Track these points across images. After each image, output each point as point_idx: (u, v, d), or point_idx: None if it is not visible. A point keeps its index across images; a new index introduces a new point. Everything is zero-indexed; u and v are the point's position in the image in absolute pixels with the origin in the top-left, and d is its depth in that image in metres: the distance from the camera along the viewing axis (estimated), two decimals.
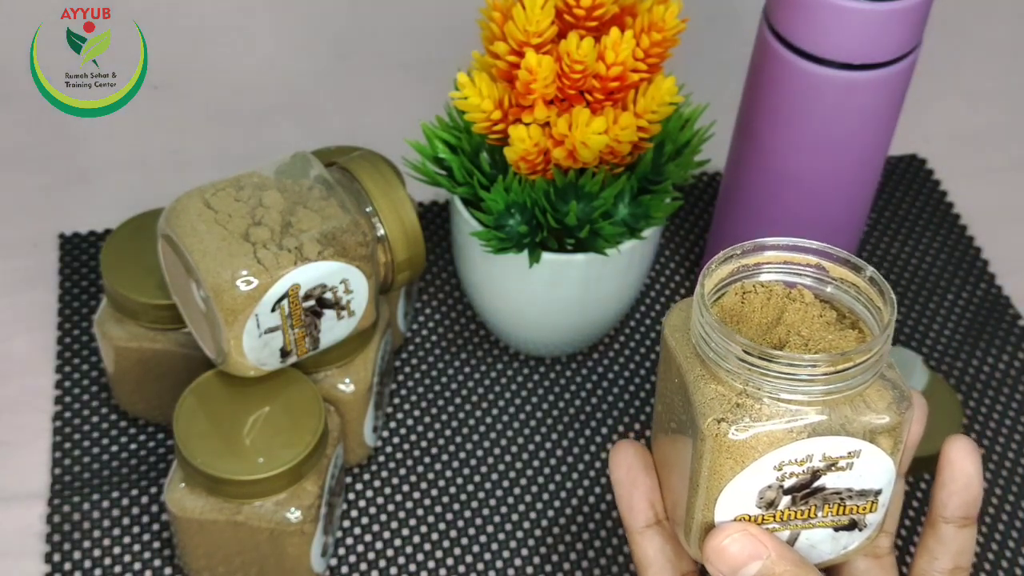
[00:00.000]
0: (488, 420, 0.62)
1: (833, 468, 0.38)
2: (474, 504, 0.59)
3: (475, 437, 0.61)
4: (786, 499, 0.39)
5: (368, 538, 0.57)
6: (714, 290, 0.40)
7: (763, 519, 0.39)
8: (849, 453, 0.38)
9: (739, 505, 0.39)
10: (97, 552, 0.56)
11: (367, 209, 0.53)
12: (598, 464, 0.60)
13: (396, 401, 0.63)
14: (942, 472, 0.42)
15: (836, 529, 0.40)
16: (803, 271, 0.40)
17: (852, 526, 0.40)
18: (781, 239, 0.40)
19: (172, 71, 0.78)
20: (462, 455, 0.61)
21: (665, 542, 0.43)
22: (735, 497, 0.38)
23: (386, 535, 0.57)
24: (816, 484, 0.39)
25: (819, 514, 0.39)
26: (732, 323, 0.39)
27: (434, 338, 0.66)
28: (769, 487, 0.38)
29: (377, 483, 0.59)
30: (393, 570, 0.56)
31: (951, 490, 0.42)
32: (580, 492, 0.59)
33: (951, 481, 0.42)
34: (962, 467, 0.42)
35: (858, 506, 0.40)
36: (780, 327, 0.39)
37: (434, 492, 0.59)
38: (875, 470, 0.39)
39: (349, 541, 0.57)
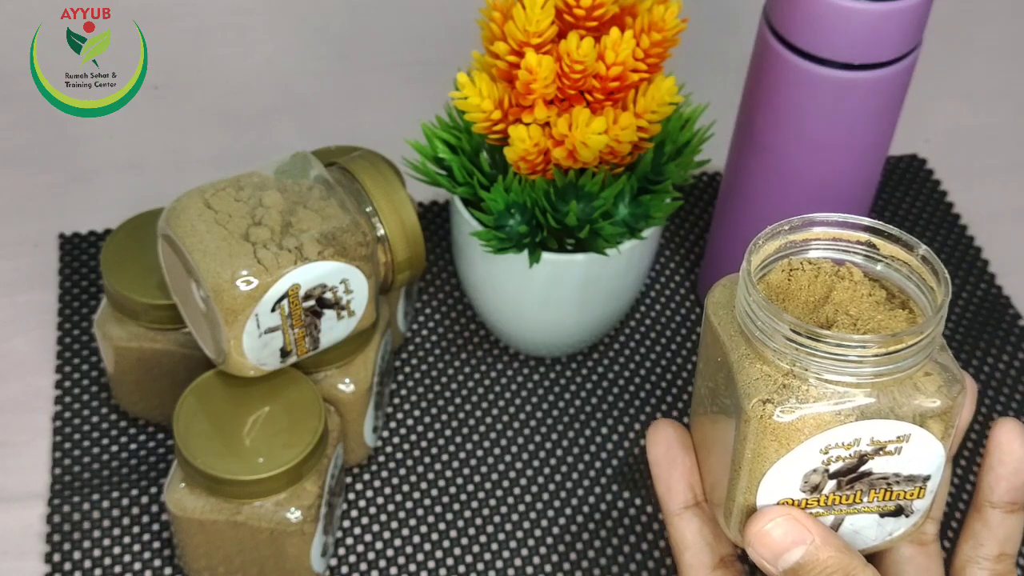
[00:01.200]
0: (488, 420, 0.62)
1: (881, 452, 0.37)
2: (474, 504, 0.59)
3: (475, 437, 0.61)
4: (831, 483, 0.38)
5: (368, 538, 0.57)
6: (760, 267, 0.38)
7: (807, 503, 0.38)
8: (898, 437, 0.37)
9: (783, 489, 0.38)
10: (97, 552, 0.56)
11: (367, 209, 0.53)
12: (598, 464, 0.60)
13: (396, 401, 0.63)
14: (990, 455, 0.41)
15: (882, 515, 0.39)
16: (852, 248, 0.39)
17: (899, 512, 0.39)
18: (831, 215, 0.39)
19: (172, 71, 0.78)
20: (462, 455, 0.61)
21: (704, 524, 0.42)
22: (779, 480, 0.37)
23: (386, 535, 0.57)
24: (863, 469, 0.38)
25: (865, 499, 0.38)
26: (778, 301, 0.38)
27: (434, 338, 0.66)
28: (814, 471, 0.37)
29: (377, 483, 0.59)
30: (393, 570, 0.56)
31: (999, 474, 0.40)
32: (580, 492, 0.59)
33: (999, 464, 0.40)
34: (1010, 449, 0.40)
35: (905, 492, 0.38)
36: (828, 306, 0.38)
37: (434, 492, 0.59)
38: (924, 455, 0.38)
39: (349, 541, 0.57)
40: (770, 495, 0.38)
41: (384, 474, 0.60)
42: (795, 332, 0.36)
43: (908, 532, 0.40)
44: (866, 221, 0.39)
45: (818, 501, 0.38)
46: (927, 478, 0.38)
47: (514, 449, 0.61)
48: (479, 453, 0.61)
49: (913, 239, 0.38)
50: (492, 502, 0.59)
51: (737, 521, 0.39)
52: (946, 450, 0.38)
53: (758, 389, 0.36)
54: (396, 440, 0.61)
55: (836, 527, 0.39)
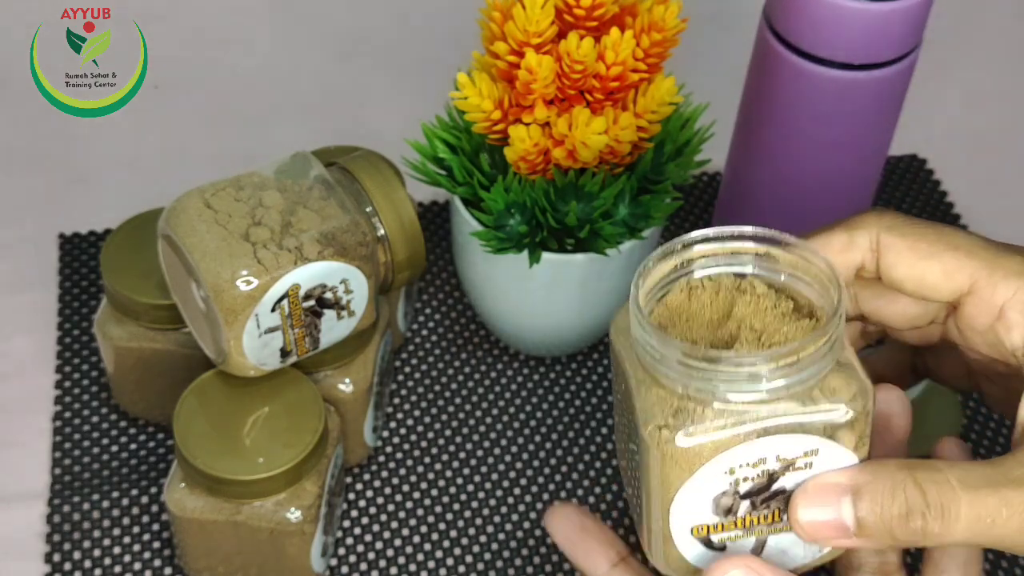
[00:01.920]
0: (488, 420, 0.62)
1: (791, 469, 0.36)
2: (474, 504, 0.59)
3: (475, 437, 0.61)
4: (745, 504, 0.36)
5: (368, 538, 0.57)
6: (658, 288, 0.37)
7: (723, 527, 0.37)
8: (806, 452, 0.35)
9: (695, 515, 0.36)
10: (97, 552, 0.56)
11: (367, 209, 0.53)
12: (598, 464, 0.60)
13: (396, 401, 0.63)
14: None
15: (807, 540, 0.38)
16: (753, 261, 0.38)
17: None
18: (725, 228, 0.37)
19: (172, 71, 0.78)
20: (462, 455, 0.61)
21: (636, 574, 0.41)
22: (688, 506, 0.36)
23: (386, 535, 0.57)
24: (775, 487, 0.36)
25: (784, 517, 0.37)
26: (680, 321, 0.37)
27: (434, 338, 0.66)
28: (724, 493, 0.36)
29: (377, 483, 0.59)
30: (393, 570, 0.56)
31: None
32: (580, 492, 0.59)
33: None
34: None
35: None
36: (731, 322, 0.36)
37: (434, 492, 0.59)
38: (839, 467, 0.36)
39: (349, 541, 0.57)
40: (683, 521, 0.36)
41: (384, 474, 0.60)
42: (687, 356, 0.34)
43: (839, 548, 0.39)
44: (763, 232, 0.37)
45: (735, 524, 0.37)
46: None
47: (514, 449, 0.61)
48: (479, 453, 0.61)
49: (809, 246, 0.37)
50: (492, 502, 0.59)
51: (660, 551, 0.38)
52: (861, 460, 0.36)
53: (654, 415, 0.35)
54: (396, 440, 0.61)
55: (760, 548, 0.38)
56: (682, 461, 0.35)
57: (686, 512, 0.36)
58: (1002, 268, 0.38)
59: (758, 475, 0.35)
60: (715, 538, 0.37)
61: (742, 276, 0.37)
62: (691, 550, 0.37)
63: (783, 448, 0.35)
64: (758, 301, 0.37)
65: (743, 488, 0.36)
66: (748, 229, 0.37)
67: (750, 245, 0.37)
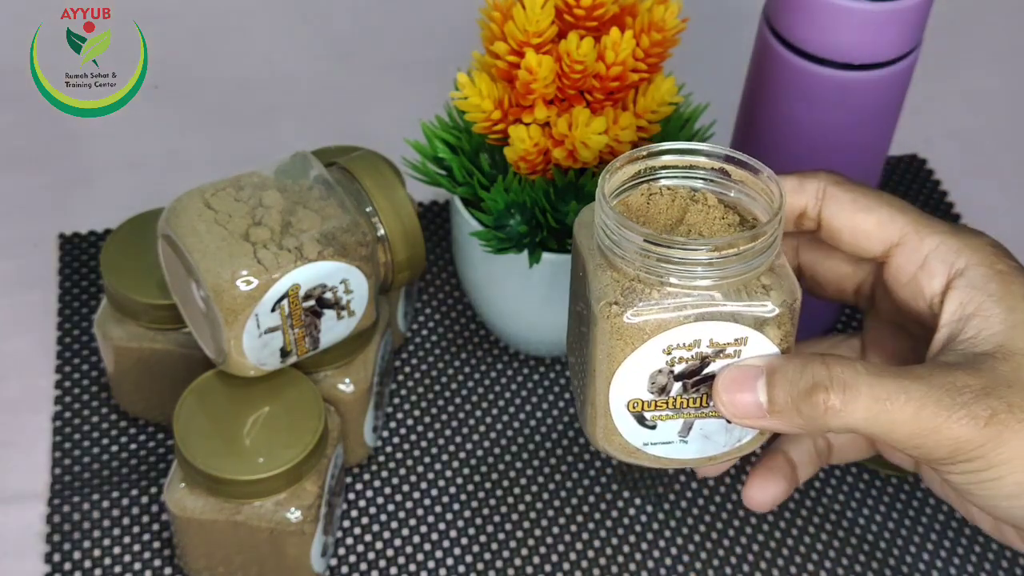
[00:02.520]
0: (488, 420, 0.62)
1: (721, 355, 0.40)
2: (474, 504, 0.59)
3: (475, 437, 0.61)
4: (677, 385, 0.40)
5: (368, 538, 0.57)
6: (620, 189, 0.41)
7: (656, 404, 0.41)
8: (736, 340, 0.39)
9: (633, 389, 0.40)
10: (97, 552, 0.56)
11: (367, 209, 0.53)
12: (598, 464, 0.60)
13: (396, 401, 0.63)
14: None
15: (729, 420, 0.41)
16: (708, 176, 0.42)
17: None
18: (687, 143, 0.42)
19: (172, 71, 0.78)
20: (462, 455, 0.61)
21: None
22: (628, 381, 0.40)
23: (386, 535, 0.57)
24: (706, 371, 0.40)
25: (711, 403, 0.41)
26: (638, 220, 0.41)
27: (434, 338, 0.66)
28: (660, 371, 0.40)
29: (377, 483, 0.59)
30: (393, 570, 0.56)
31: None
32: (580, 492, 0.59)
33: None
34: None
35: None
36: (682, 226, 0.40)
37: (434, 492, 0.59)
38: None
39: (349, 541, 0.57)
40: (621, 395, 0.41)
41: (384, 474, 0.60)
42: (647, 242, 0.38)
43: (756, 439, 0.43)
44: (718, 149, 0.42)
45: (667, 403, 0.41)
46: None
47: (514, 449, 0.61)
48: (479, 453, 0.61)
49: (760, 164, 0.41)
50: (492, 502, 0.59)
51: (598, 426, 0.42)
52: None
53: (606, 293, 0.39)
54: (396, 440, 0.61)
55: (688, 430, 0.42)
56: (627, 335, 0.39)
57: (625, 386, 0.40)
58: (929, 226, 0.42)
59: (692, 357, 0.40)
60: (648, 415, 0.41)
61: (696, 190, 0.42)
62: (625, 424, 0.41)
63: (716, 333, 0.39)
64: (708, 211, 0.41)
65: (677, 368, 0.40)
66: (706, 146, 0.42)
67: (705, 160, 0.42)
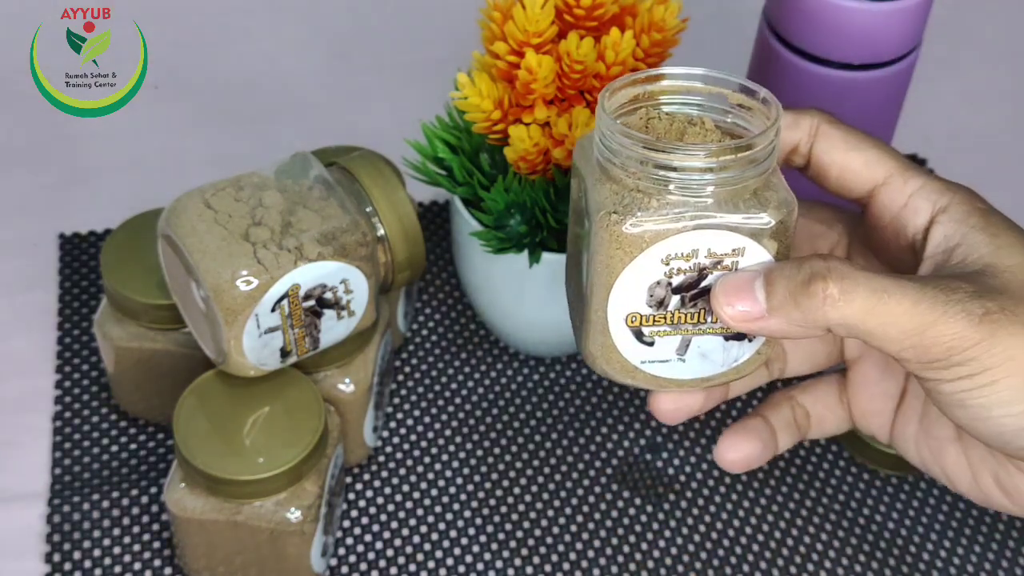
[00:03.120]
0: (488, 420, 0.62)
1: (719, 266, 0.40)
2: (474, 504, 0.59)
3: (475, 437, 0.61)
4: (675, 299, 0.41)
5: (368, 538, 0.57)
6: (618, 113, 0.42)
7: (654, 319, 0.41)
8: (733, 250, 0.40)
9: (631, 302, 0.40)
10: (97, 552, 0.56)
11: (367, 209, 0.53)
12: (598, 464, 0.60)
13: (396, 401, 0.63)
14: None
15: (726, 339, 0.42)
16: (705, 101, 0.42)
17: (741, 337, 0.42)
18: (684, 68, 0.42)
19: (172, 71, 0.78)
20: (462, 455, 0.61)
21: None
22: (626, 292, 0.40)
23: (386, 535, 0.57)
24: (704, 284, 0.40)
25: (708, 319, 0.41)
26: None
27: (434, 338, 0.66)
28: (658, 283, 0.40)
29: (377, 483, 0.59)
30: (393, 570, 0.56)
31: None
32: (580, 492, 0.59)
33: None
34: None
35: None
36: None
37: (434, 492, 0.59)
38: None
39: (349, 541, 0.57)
40: (620, 308, 0.41)
41: (384, 474, 0.60)
42: (645, 148, 0.39)
43: (753, 360, 0.43)
44: (715, 73, 0.42)
45: (664, 318, 0.41)
46: None
47: (514, 449, 0.61)
48: (479, 453, 0.61)
49: (756, 85, 0.41)
50: (492, 502, 0.59)
51: (596, 343, 0.42)
52: None
53: (605, 204, 0.39)
54: (396, 440, 0.61)
55: (685, 347, 0.42)
56: (626, 244, 0.39)
57: (624, 299, 0.40)
58: (913, 168, 0.43)
59: (690, 268, 0.40)
60: (646, 331, 0.41)
61: (693, 116, 0.42)
62: (624, 341, 0.42)
63: (714, 242, 0.39)
64: (706, 135, 0.41)
65: (675, 280, 0.40)
66: (700, 69, 0.42)
67: (702, 86, 0.42)
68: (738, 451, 0.45)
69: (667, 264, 0.40)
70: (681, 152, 0.38)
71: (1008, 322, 0.37)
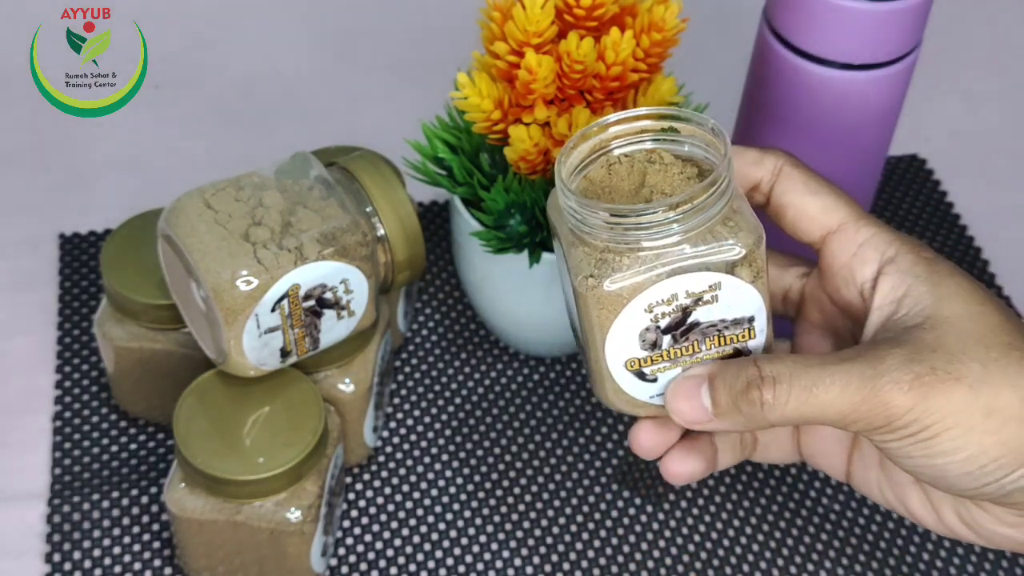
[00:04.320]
0: (488, 420, 0.62)
1: (700, 303, 0.41)
2: (474, 504, 0.59)
3: (475, 437, 0.61)
4: (667, 338, 0.42)
5: (368, 538, 0.57)
6: (581, 166, 0.43)
7: (651, 359, 0.42)
8: (710, 287, 0.41)
9: (626, 350, 0.42)
10: (97, 552, 0.56)
11: (367, 209, 0.53)
12: (598, 464, 0.60)
13: (396, 401, 0.63)
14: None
15: (724, 359, 0.43)
16: (660, 137, 0.43)
17: (738, 354, 0.43)
18: (631, 111, 0.43)
19: (172, 71, 0.78)
20: (462, 455, 0.61)
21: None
22: (620, 343, 0.42)
23: (386, 535, 0.57)
24: (690, 320, 0.42)
25: (703, 348, 0.43)
26: (603, 193, 0.42)
27: (434, 338, 0.66)
28: (647, 329, 0.42)
29: (377, 483, 0.59)
30: (393, 570, 0.56)
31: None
32: (580, 492, 0.59)
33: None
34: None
35: (737, 335, 0.43)
36: (644, 189, 0.42)
37: (434, 492, 0.59)
38: (741, 299, 0.42)
39: (349, 541, 0.57)
40: (617, 357, 0.42)
41: (384, 474, 0.60)
42: (611, 216, 0.40)
43: None
44: (664, 110, 0.43)
45: (661, 356, 0.42)
46: (752, 319, 0.42)
47: (514, 449, 0.61)
48: (479, 453, 0.61)
49: (703, 117, 0.42)
50: (492, 502, 0.59)
51: (603, 387, 0.44)
52: (760, 292, 0.42)
53: (582, 268, 0.41)
54: (396, 440, 0.61)
55: None
56: (608, 303, 0.41)
57: (619, 349, 0.42)
58: (866, 217, 0.45)
59: (673, 310, 0.41)
60: (647, 370, 0.43)
61: (652, 151, 0.43)
62: (628, 383, 0.43)
63: (690, 284, 0.41)
64: (667, 169, 0.42)
65: (663, 323, 0.42)
66: (646, 109, 0.43)
67: (651, 124, 0.43)
68: (683, 466, 0.46)
69: (650, 312, 0.41)
70: (640, 215, 0.40)
71: (939, 381, 0.39)
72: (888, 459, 0.43)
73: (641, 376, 0.43)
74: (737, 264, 0.41)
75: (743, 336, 0.43)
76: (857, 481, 0.48)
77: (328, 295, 0.51)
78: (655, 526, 0.58)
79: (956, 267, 0.43)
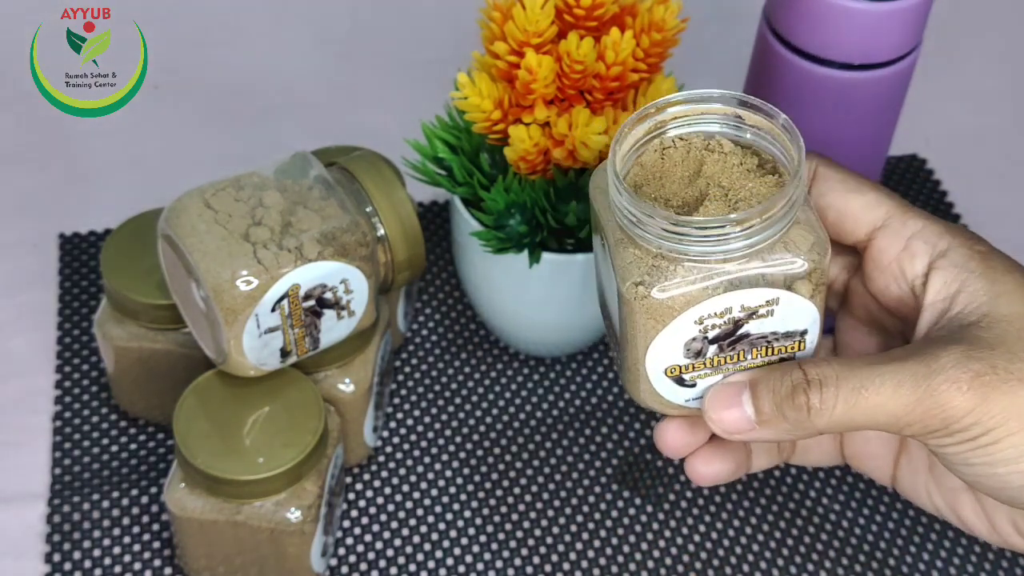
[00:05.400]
0: (488, 420, 0.62)
1: (754, 317, 0.39)
2: (474, 504, 0.59)
3: (475, 437, 0.61)
4: (713, 348, 0.40)
5: (368, 538, 0.57)
6: (633, 150, 0.40)
7: (693, 367, 0.40)
8: (767, 302, 0.39)
9: (668, 357, 0.40)
10: (97, 552, 0.56)
11: (367, 209, 0.53)
12: (598, 464, 0.60)
13: (396, 401, 0.63)
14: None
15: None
16: (721, 121, 0.40)
17: (786, 359, 0.41)
18: (695, 92, 0.40)
19: (172, 71, 0.78)
20: (462, 455, 0.61)
21: None
22: (662, 351, 0.40)
23: (386, 535, 0.57)
24: (740, 332, 0.39)
25: (748, 357, 0.40)
26: (655, 180, 0.39)
27: (434, 338, 0.66)
28: (694, 339, 0.39)
29: (377, 483, 0.59)
30: (393, 570, 0.56)
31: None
32: (580, 492, 0.59)
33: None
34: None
35: (786, 346, 0.40)
36: (700, 179, 0.39)
37: (434, 492, 0.59)
38: (797, 313, 0.39)
39: (349, 541, 0.57)
40: (657, 364, 0.40)
41: (384, 474, 0.60)
42: (668, 223, 0.37)
43: None
44: (730, 94, 0.40)
45: (704, 364, 0.40)
46: (804, 332, 0.40)
47: (514, 449, 0.61)
48: (479, 453, 0.61)
49: (774, 109, 0.39)
50: (492, 502, 0.59)
51: (637, 388, 0.41)
52: (817, 307, 0.40)
53: (631, 272, 0.38)
54: (396, 440, 0.61)
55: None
56: (656, 314, 0.38)
57: (661, 356, 0.40)
58: (912, 210, 0.42)
59: (724, 323, 0.39)
60: (686, 377, 0.41)
61: (711, 136, 0.40)
62: (664, 386, 0.41)
63: (747, 299, 0.38)
64: (725, 159, 0.39)
65: (711, 334, 0.39)
66: (716, 92, 0.40)
67: (718, 107, 0.40)
68: (710, 467, 0.44)
69: (700, 324, 0.39)
70: (702, 228, 0.37)
71: (1001, 381, 0.37)
72: (943, 464, 0.40)
73: (680, 382, 0.41)
74: (798, 280, 0.38)
75: (792, 348, 0.41)
76: (904, 486, 0.45)
77: (328, 295, 0.51)
78: (655, 526, 0.58)
79: (1012, 261, 0.40)
